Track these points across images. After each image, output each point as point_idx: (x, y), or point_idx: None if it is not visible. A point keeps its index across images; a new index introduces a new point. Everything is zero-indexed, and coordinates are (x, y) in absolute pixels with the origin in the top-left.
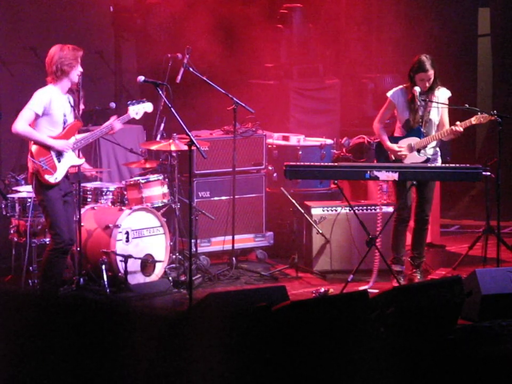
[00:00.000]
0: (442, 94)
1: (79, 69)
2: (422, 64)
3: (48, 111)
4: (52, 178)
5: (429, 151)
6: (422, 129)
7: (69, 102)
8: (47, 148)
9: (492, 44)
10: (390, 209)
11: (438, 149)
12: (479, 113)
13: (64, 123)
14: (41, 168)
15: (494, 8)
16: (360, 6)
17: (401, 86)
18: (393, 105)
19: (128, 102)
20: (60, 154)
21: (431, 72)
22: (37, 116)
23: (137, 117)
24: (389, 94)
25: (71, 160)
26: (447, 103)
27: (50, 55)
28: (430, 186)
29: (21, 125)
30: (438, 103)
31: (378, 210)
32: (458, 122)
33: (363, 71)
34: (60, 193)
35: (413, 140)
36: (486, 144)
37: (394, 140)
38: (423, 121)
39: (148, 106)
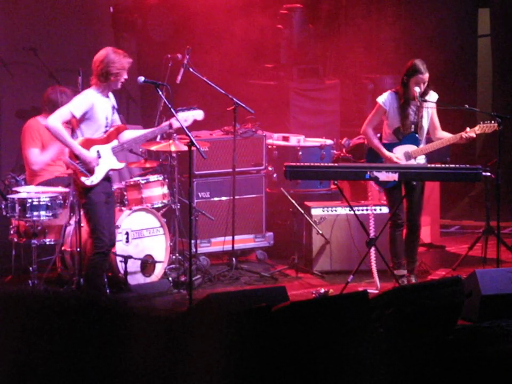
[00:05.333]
0: (432, 98)
1: (124, 77)
2: (418, 67)
3: (91, 116)
4: (88, 181)
5: (421, 157)
6: (418, 136)
7: (112, 103)
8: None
9: (491, 44)
10: (386, 209)
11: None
12: (481, 122)
13: (107, 126)
14: (78, 170)
15: (494, 8)
16: (360, 6)
17: (390, 91)
18: (384, 110)
19: (178, 108)
20: (98, 157)
21: (427, 75)
22: (74, 118)
23: (186, 124)
24: (380, 99)
25: (110, 163)
26: (435, 106)
27: (100, 57)
28: (418, 190)
29: (53, 119)
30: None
31: (370, 211)
32: (468, 129)
33: (363, 71)
34: (103, 196)
35: (410, 148)
36: (486, 145)
37: (388, 147)
38: (417, 128)
39: (198, 114)
